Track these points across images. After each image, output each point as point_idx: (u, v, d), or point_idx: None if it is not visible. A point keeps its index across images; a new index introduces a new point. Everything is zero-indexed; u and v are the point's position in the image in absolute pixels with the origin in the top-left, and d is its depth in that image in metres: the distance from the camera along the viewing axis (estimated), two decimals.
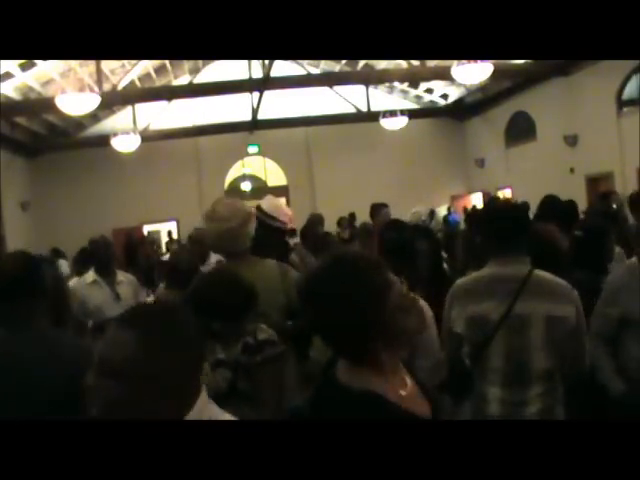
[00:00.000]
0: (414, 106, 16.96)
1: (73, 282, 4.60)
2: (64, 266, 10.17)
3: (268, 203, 3.46)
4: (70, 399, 1.68)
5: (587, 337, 2.31)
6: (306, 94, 14.83)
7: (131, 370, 1.17)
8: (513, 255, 2.27)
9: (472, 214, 9.74)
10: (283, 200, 3.84)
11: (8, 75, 10.59)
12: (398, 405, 1.31)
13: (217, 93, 13.18)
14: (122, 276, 4.67)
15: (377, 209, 6.23)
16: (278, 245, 3.56)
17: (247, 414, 2.20)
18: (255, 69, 12.53)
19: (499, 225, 2.30)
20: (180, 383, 1.21)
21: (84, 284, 4.50)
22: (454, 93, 16.26)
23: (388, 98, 16.75)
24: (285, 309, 2.79)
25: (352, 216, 12.14)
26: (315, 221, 6.62)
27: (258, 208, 3.38)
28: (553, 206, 4.76)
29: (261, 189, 17.63)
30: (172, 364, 1.19)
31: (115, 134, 13.09)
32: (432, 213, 11.80)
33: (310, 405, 1.42)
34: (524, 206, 6.41)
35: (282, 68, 12.25)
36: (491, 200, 10.38)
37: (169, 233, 14.62)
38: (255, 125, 15.04)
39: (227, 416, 1.33)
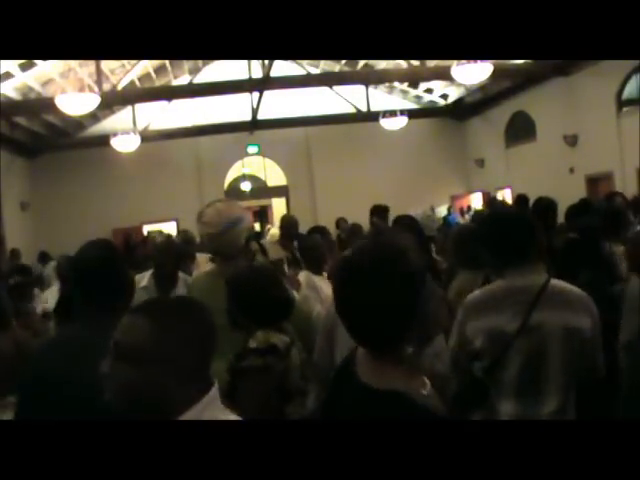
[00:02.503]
0: (414, 106, 16.95)
1: None
2: None
3: (207, 211, 2.92)
4: None
5: (601, 349, 2.23)
6: (306, 94, 14.81)
7: (142, 354, 1.23)
8: (528, 265, 2.21)
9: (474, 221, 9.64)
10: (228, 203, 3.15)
11: (8, 75, 10.58)
12: (426, 406, 1.24)
13: (217, 93, 13.16)
14: (185, 287, 3.89)
15: (380, 212, 6.18)
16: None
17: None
18: (255, 69, 12.52)
19: (512, 238, 2.23)
20: (189, 372, 1.25)
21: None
22: (454, 93, 16.25)
23: (388, 98, 16.74)
24: None
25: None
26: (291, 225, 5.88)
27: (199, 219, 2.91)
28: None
29: (261, 189, 17.64)
30: (182, 352, 1.24)
31: (115, 134, 13.06)
32: (432, 210, 11.85)
33: (327, 406, 1.37)
34: (524, 209, 6.37)
35: (282, 68, 12.24)
36: (494, 211, 10.28)
37: (159, 234, 13.85)
38: (255, 125, 15.02)
39: (232, 417, 1.32)
